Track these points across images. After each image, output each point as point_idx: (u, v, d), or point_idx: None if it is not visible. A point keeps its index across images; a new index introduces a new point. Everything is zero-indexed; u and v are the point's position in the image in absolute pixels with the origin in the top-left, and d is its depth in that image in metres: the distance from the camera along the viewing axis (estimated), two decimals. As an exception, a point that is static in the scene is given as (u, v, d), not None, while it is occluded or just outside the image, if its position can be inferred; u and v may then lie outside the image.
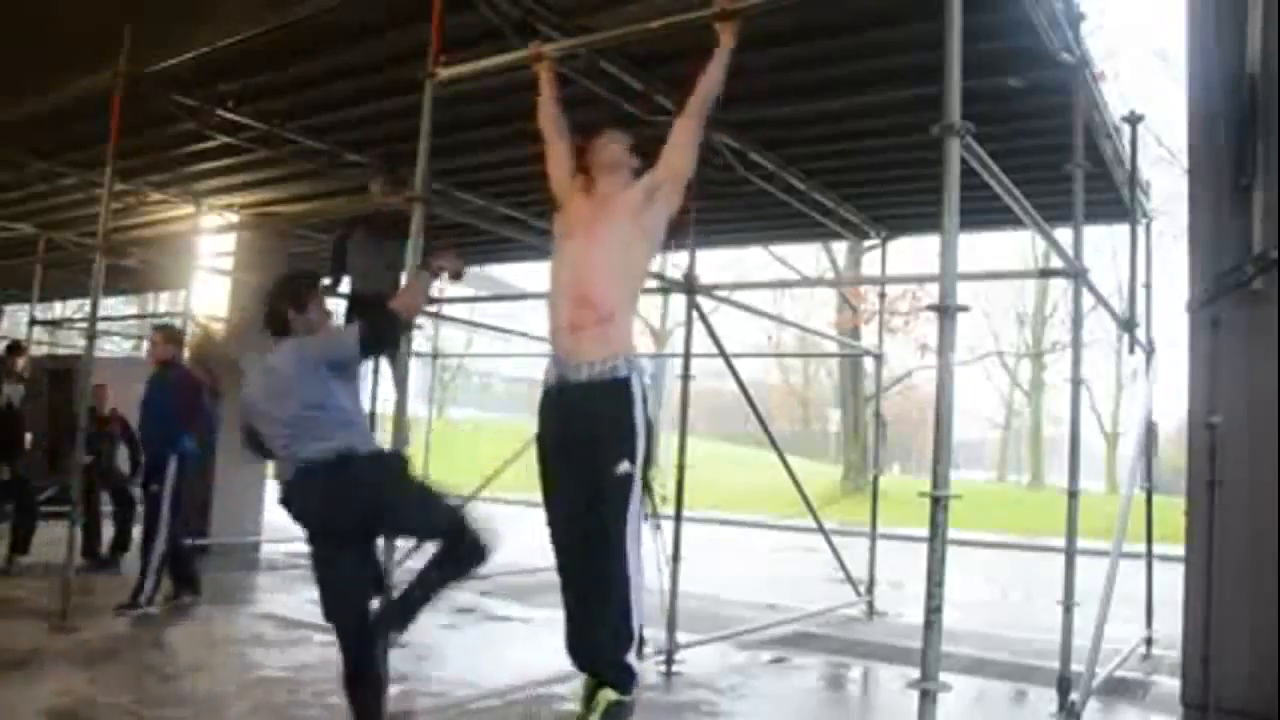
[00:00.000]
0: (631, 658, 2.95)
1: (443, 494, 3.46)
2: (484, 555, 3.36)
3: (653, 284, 5.92)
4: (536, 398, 3.28)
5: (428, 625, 6.25)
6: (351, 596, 3.34)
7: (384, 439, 3.77)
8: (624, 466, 2.94)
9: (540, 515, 3.26)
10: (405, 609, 3.40)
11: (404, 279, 4.09)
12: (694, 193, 3.71)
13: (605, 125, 3.40)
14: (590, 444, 2.99)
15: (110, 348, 14.69)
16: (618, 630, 2.94)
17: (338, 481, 3.21)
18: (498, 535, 3.33)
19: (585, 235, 3.15)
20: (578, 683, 4.70)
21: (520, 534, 4.34)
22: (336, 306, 6.83)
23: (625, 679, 2.95)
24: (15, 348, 8.34)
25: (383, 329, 3.51)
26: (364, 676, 3.29)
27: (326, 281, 6.82)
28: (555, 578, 3.26)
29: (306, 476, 3.23)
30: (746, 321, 21.55)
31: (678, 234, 4.47)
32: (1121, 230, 6.71)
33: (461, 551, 3.35)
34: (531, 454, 3.32)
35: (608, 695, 2.92)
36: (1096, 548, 5.27)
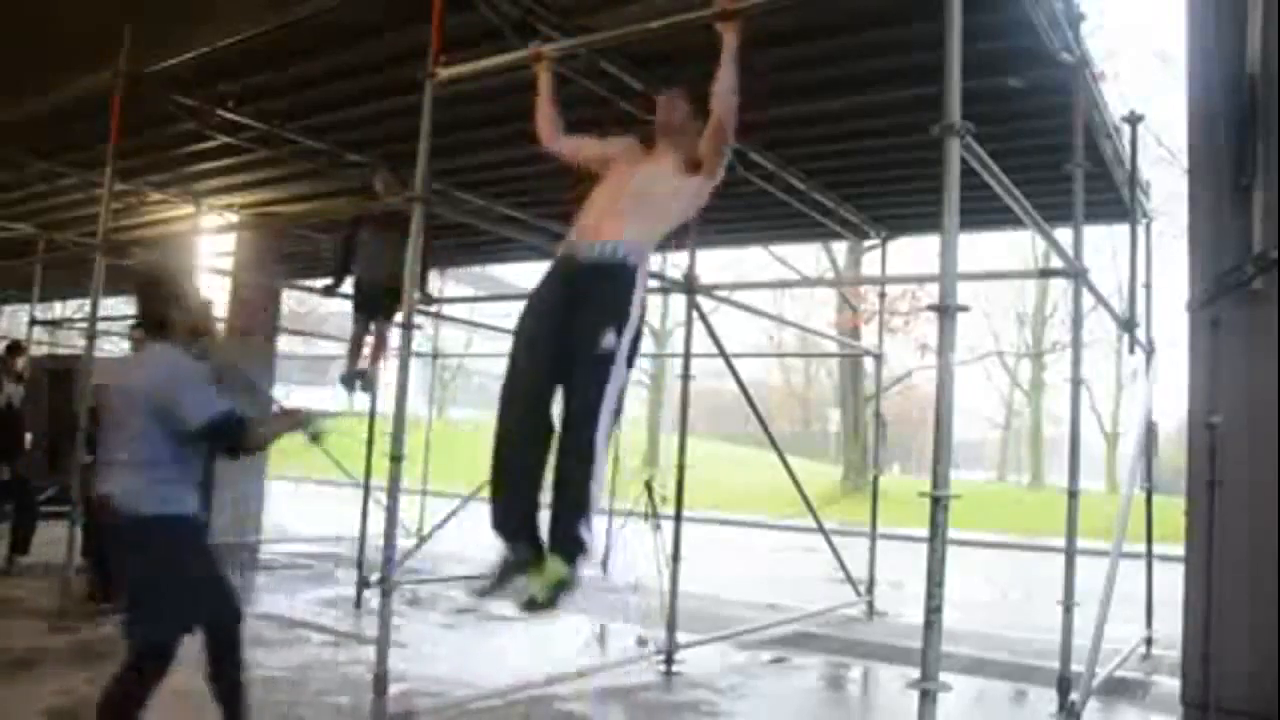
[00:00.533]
0: (583, 530, 2.90)
1: (180, 598, 2.94)
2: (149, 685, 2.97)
3: (653, 284, 5.92)
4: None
5: (428, 625, 6.27)
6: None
7: (384, 439, 3.77)
8: (609, 340, 2.87)
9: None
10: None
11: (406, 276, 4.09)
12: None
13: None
14: (578, 312, 2.94)
15: (110, 348, 14.66)
16: (575, 502, 2.89)
17: (119, 535, 3.00)
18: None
19: (630, 168, 3.20)
20: (578, 683, 4.73)
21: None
22: (341, 306, 6.90)
23: (576, 551, 2.91)
24: (15, 348, 8.34)
25: (234, 429, 3.02)
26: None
27: (329, 281, 6.90)
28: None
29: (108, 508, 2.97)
30: (746, 321, 21.58)
31: (678, 234, 4.47)
32: (1121, 230, 6.72)
33: (133, 665, 2.97)
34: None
35: (558, 569, 2.89)
36: (1096, 548, 5.28)
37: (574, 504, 2.90)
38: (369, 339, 6.58)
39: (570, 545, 2.91)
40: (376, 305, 6.36)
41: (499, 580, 3.02)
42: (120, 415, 3.01)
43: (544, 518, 3.00)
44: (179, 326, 3.06)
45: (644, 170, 3.20)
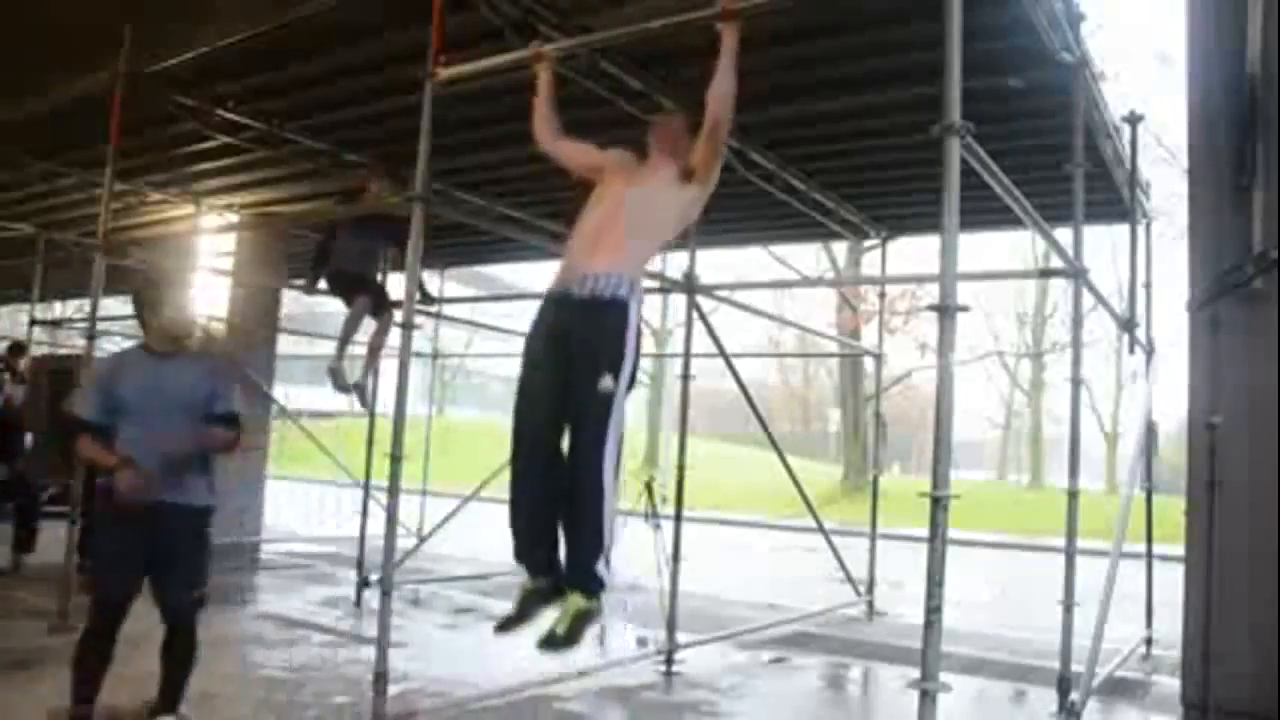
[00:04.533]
0: (601, 567, 2.96)
1: None
2: None
3: (653, 284, 5.93)
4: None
5: (428, 625, 6.28)
6: None
7: (384, 439, 3.77)
8: (606, 383, 2.93)
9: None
10: None
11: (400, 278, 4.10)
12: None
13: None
14: (576, 357, 2.99)
15: (110, 348, 14.63)
16: (589, 542, 2.94)
17: None
18: None
19: (622, 186, 3.20)
20: (578, 683, 4.73)
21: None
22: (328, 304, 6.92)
23: (594, 586, 2.96)
24: (16, 348, 8.33)
25: None
26: None
27: (305, 280, 6.94)
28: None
29: None
30: (746, 321, 21.56)
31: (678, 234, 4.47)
32: (1121, 230, 6.72)
33: None
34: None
35: (577, 601, 2.94)
36: (1096, 548, 5.28)
37: (588, 542, 2.94)
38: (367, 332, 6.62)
39: (588, 581, 2.95)
40: (348, 289, 6.45)
41: (519, 612, 3.05)
42: None
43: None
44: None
45: (638, 187, 3.19)
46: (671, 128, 3.32)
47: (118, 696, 3.77)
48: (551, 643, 2.95)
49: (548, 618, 3.03)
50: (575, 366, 2.97)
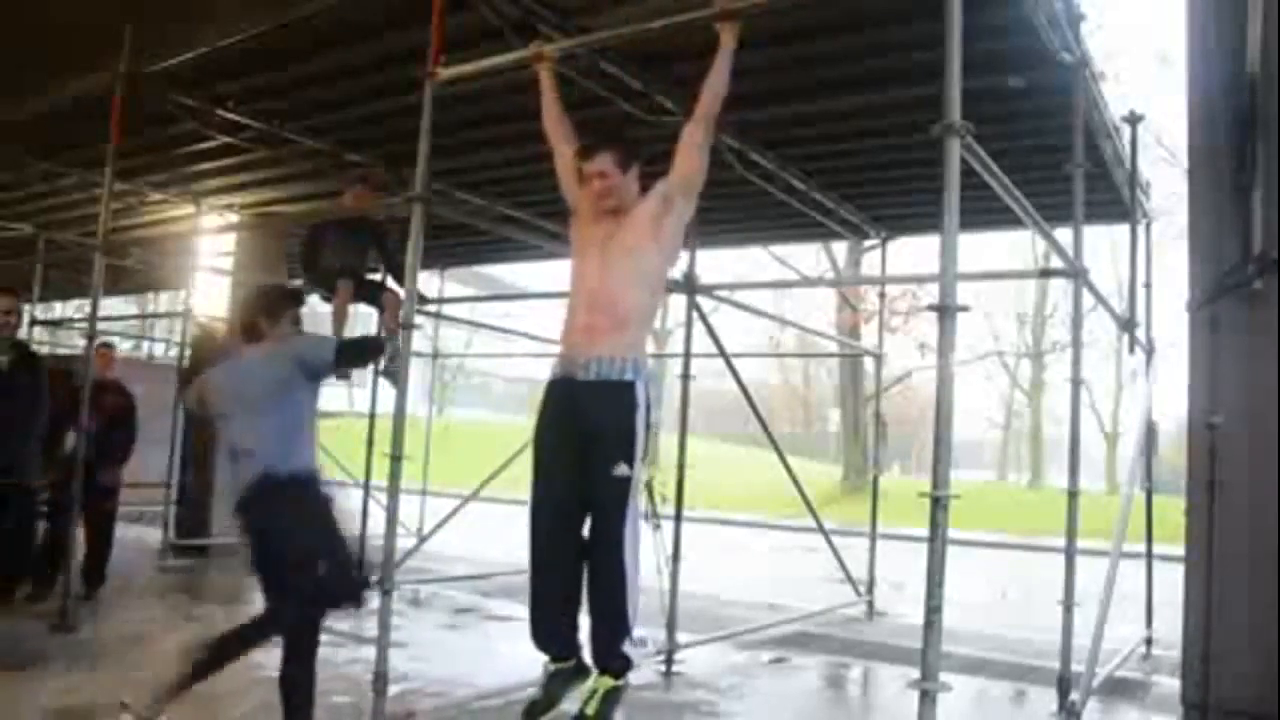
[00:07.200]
0: (627, 647, 2.98)
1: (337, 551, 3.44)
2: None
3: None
4: (536, 398, 3.26)
5: (428, 625, 6.28)
6: None
7: (384, 439, 3.76)
8: (621, 469, 2.94)
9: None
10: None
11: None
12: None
13: (592, 133, 3.29)
14: (589, 444, 2.99)
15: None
16: (615, 623, 2.96)
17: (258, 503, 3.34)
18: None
19: (601, 253, 3.10)
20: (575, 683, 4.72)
21: (519, 534, 4.35)
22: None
23: (621, 666, 2.98)
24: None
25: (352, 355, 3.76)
26: None
27: (299, 281, 6.93)
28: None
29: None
30: (747, 321, 21.57)
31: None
32: (1121, 230, 6.72)
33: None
34: (529, 454, 3.30)
35: (606, 682, 2.96)
36: (1096, 548, 5.27)
37: (613, 623, 2.96)
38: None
39: (615, 662, 2.97)
40: (330, 283, 6.49)
41: (547, 695, 3.05)
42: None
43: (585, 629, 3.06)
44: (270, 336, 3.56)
45: (619, 236, 3.09)
46: (608, 175, 3.11)
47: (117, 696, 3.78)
48: None
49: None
50: (589, 453, 2.97)
